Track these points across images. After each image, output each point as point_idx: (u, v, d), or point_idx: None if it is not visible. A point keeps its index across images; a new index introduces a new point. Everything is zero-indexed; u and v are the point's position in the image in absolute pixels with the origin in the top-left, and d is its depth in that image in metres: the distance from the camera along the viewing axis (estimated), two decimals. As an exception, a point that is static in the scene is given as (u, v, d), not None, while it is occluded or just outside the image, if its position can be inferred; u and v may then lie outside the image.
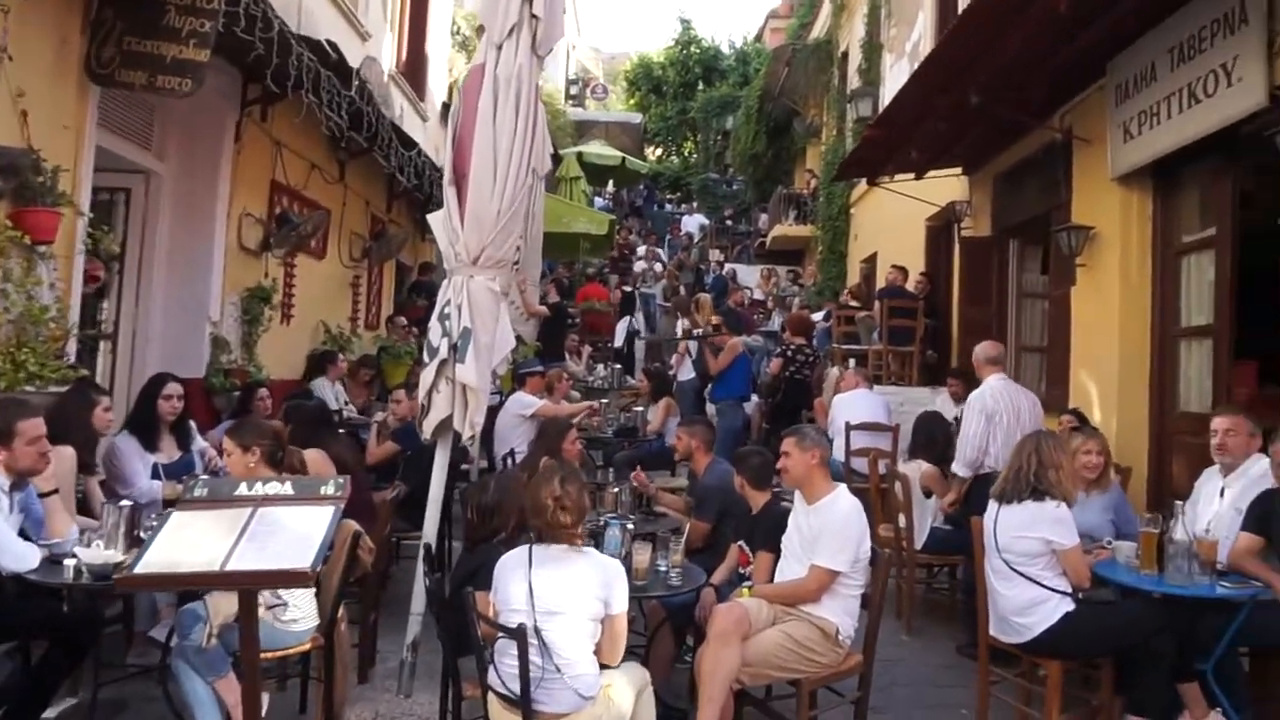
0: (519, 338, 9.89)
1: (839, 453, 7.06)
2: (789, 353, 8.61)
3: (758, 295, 16.49)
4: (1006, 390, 5.18)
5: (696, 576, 3.67)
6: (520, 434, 6.68)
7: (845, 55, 16.17)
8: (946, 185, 9.77)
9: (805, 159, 20.60)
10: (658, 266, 17.30)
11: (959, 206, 9.50)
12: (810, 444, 3.61)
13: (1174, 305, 6.13)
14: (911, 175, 9.49)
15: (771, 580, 3.75)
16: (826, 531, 3.45)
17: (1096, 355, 6.65)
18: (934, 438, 5.65)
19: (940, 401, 8.48)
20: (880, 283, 11.76)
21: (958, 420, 7.93)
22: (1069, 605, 3.59)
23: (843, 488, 3.61)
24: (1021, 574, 3.63)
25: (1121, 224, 6.41)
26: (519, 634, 2.67)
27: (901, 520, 5.47)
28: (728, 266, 19.33)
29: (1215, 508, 4.19)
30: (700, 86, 29.20)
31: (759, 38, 28.78)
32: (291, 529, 2.64)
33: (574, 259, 14.63)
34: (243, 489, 2.80)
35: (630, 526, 3.68)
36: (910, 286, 10.51)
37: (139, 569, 2.47)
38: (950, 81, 6.44)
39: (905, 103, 7.04)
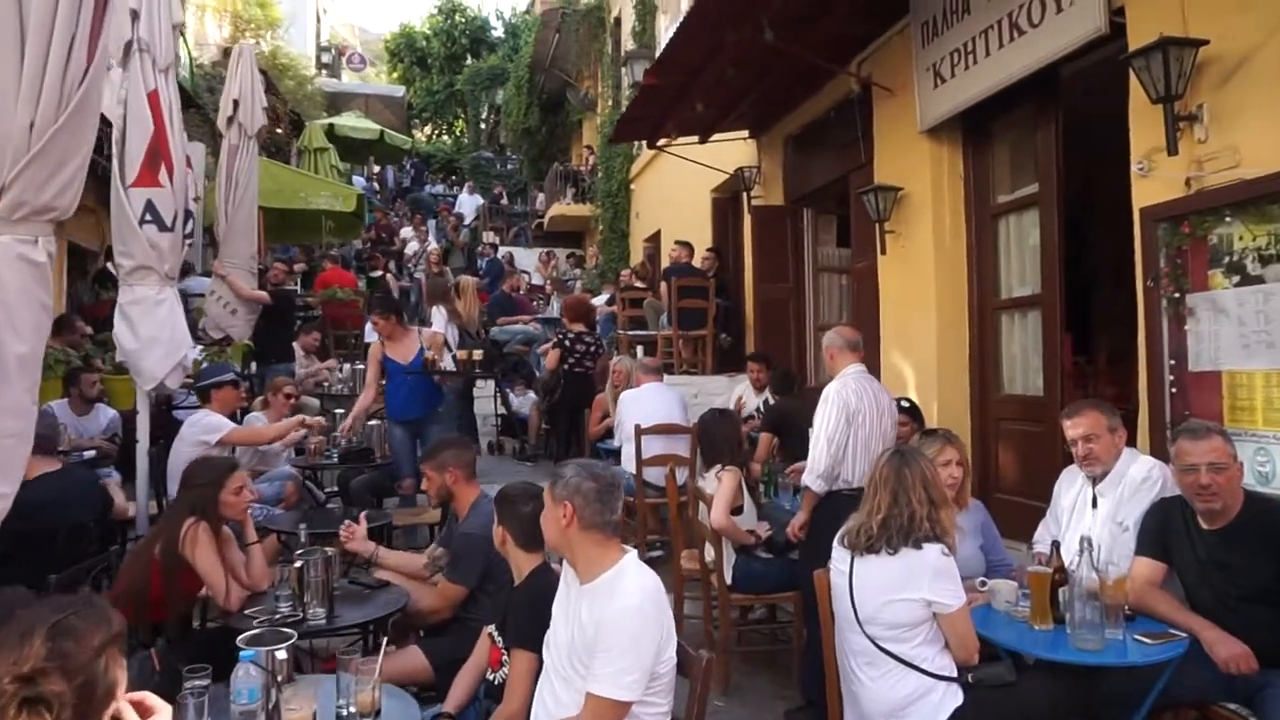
0: (225, 338, 7.93)
1: (629, 463, 5.87)
2: (567, 342, 7.32)
3: (536, 280, 15.15)
4: (869, 386, 4.11)
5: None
6: (205, 469, 4.89)
7: (618, 21, 15.14)
8: (733, 151, 8.88)
9: (582, 134, 19.45)
10: (430, 247, 15.46)
11: (747, 173, 8.63)
12: (563, 494, 2.29)
13: (993, 274, 5.43)
14: (695, 139, 8.51)
15: (531, 697, 2.41)
16: (605, 634, 2.15)
17: (910, 334, 5.87)
18: (718, 441, 4.52)
19: (741, 390, 7.54)
20: (665, 262, 10.81)
21: (759, 411, 7.06)
22: (957, 696, 2.52)
23: (630, 559, 2.31)
24: (896, 657, 2.52)
25: (933, 184, 5.64)
26: None
27: (710, 551, 4.32)
28: (504, 249, 17.84)
29: (1088, 522, 3.32)
30: (468, 60, 27.23)
31: (529, 10, 27.26)
32: None
33: (316, 242, 12.55)
34: None
35: (282, 655, 2.18)
36: (697, 264, 9.56)
37: None
38: (739, 14, 5.37)
39: (688, 41, 5.92)
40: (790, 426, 5.75)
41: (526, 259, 17.63)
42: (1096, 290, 7.63)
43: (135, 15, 4.79)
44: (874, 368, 6.01)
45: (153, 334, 4.91)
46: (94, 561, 3.51)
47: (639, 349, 9.60)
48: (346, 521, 3.63)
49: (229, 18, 15.37)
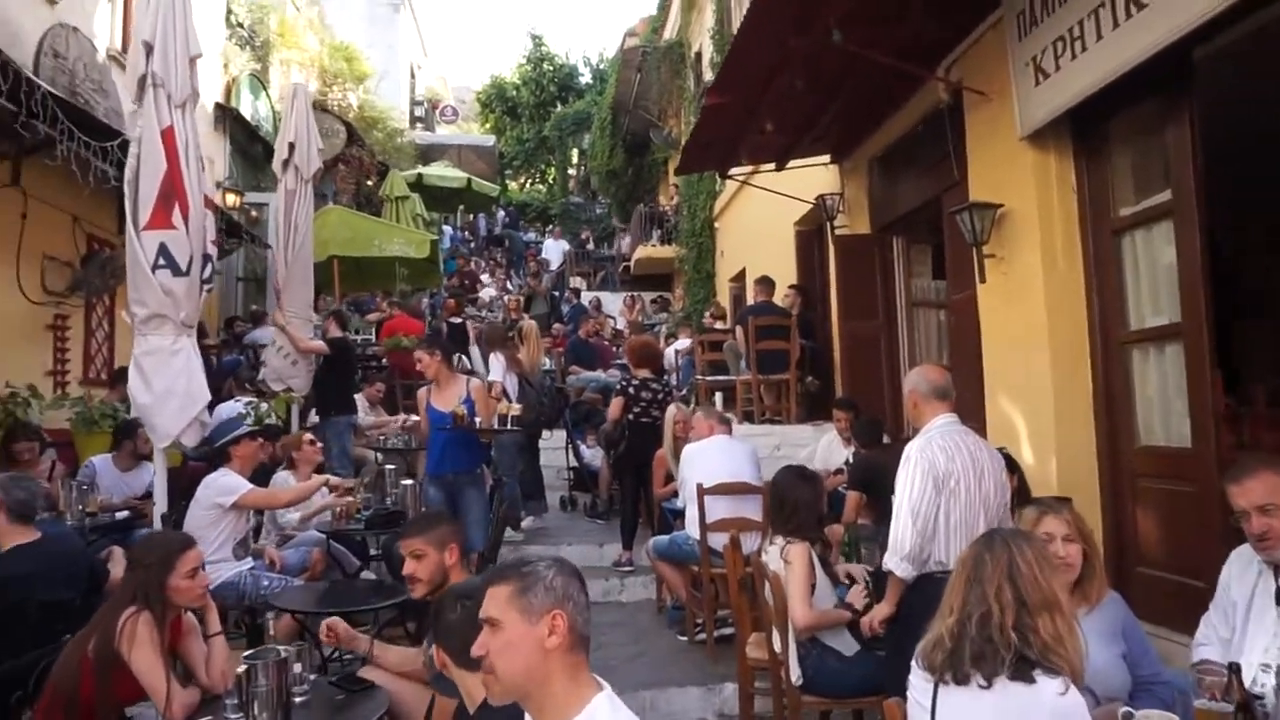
0: (287, 389, 7.69)
1: (692, 526, 5.20)
2: (631, 389, 6.72)
3: (620, 324, 14.72)
4: (963, 441, 3.33)
5: None
6: (220, 535, 4.50)
7: (699, 56, 14.74)
8: (815, 178, 8.21)
9: (668, 174, 19.10)
10: (508, 297, 15.31)
11: (829, 201, 7.93)
12: (547, 601, 1.67)
13: (1118, 301, 4.56)
14: (772, 165, 7.89)
15: None
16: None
17: (1019, 375, 5.03)
18: (792, 506, 3.81)
19: (827, 440, 6.81)
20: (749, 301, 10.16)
21: (849, 464, 6.29)
22: None
23: (601, 701, 1.66)
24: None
25: (1038, 197, 4.84)
26: None
27: (777, 640, 3.60)
28: (591, 294, 17.54)
29: (1271, 626, 2.48)
30: (557, 107, 27.49)
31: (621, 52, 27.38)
32: None
33: (391, 289, 12.45)
34: None
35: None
36: (779, 302, 8.87)
37: None
38: (802, 15, 4.77)
39: (749, 51, 5.34)
40: (880, 483, 4.97)
41: (614, 303, 17.29)
42: (1247, 316, 6.56)
43: (149, 49, 4.56)
44: (978, 416, 5.21)
45: (168, 387, 4.61)
46: (52, 649, 3.08)
47: (718, 395, 8.95)
48: (324, 623, 3.08)
49: (316, 72, 15.72)
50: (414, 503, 5.09)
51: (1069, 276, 4.72)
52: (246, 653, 2.59)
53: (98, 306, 8.07)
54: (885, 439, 6.18)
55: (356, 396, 8.26)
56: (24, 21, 6.91)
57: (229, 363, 9.29)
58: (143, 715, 2.79)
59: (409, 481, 5.14)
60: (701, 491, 5.05)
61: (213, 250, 4.94)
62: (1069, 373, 4.65)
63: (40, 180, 6.85)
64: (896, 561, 3.23)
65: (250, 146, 12.28)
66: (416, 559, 3.00)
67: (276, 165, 7.53)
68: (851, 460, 6.21)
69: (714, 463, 5.24)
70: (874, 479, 5.22)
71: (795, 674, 3.49)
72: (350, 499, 5.01)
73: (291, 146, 7.39)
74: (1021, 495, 3.83)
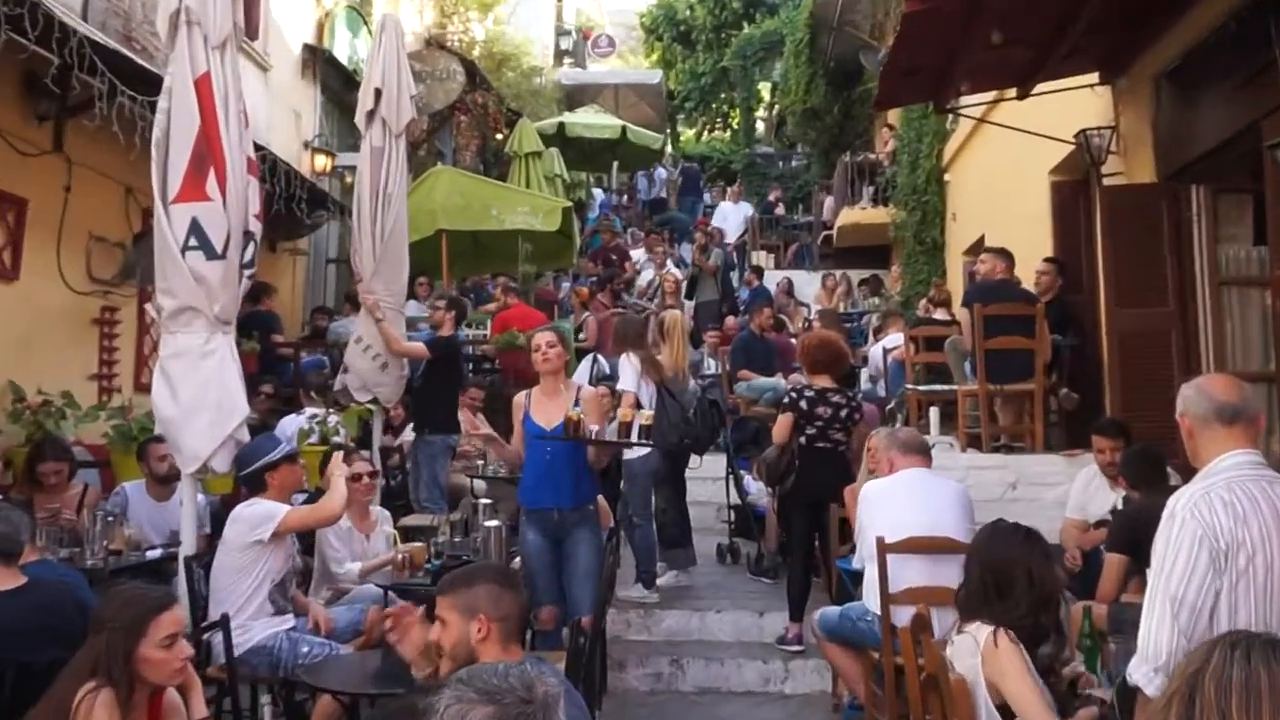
0: (374, 400, 7.90)
1: (871, 595, 4.91)
2: (803, 403, 6.43)
3: (813, 313, 14.39)
4: (1265, 494, 2.87)
5: None
6: (253, 584, 4.65)
7: (926, -52, 14.19)
8: (1079, 107, 7.63)
9: (886, 114, 18.56)
10: (664, 274, 15.26)
11: (1095, 140, 7.33)
12: None
13: None
14: (1012, 93, 7.40)
15: None
16: None
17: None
18: (1007, 580, 3.46)
19: (1085, 478, 6.29)
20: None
21: (1115, 513, 5.80)
22: None
23: None
24: None
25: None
26: None
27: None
28: (780, 274, 17.27)
29: None
30: (743, 29, 27.35)
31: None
32: None
33: (512, 271, 12.68)
34: None
35: None
36: (1031, 284, 8.29)
37: None
38: None
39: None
40: (1154, 544, 4.54)
41: (809, 286, 16.95)
42: None
43: (181, -24, 4.78)
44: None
45: (196, 397, 4.82)
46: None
47: (933, 410, 8.50)
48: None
49: (431, 2, 16.37)
50: (498, 550, 5.09)
51: None
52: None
53: (148, 298, 8.69)
54: (1173, 479, 5.64)
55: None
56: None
57: (310, 364, 9.76)
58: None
59: (494, 523, 5.14)
60: (883, 548, 4.74)
61: (256, 227, 5.13)
62: None
63: (87, 145, 7.44)
64: (1146, 674, 2.81)
65: (347, 96, 12.86)
66: (441, 621, 2.90)
67: (360, 118, 7.73)
68: (1119, 509, 5.72)
69: (902, 508, 4.92)
70: (1147, 538, 4.73)
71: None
72: (418, 545, 5.08)
73: (378, 94, 7.52)
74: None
